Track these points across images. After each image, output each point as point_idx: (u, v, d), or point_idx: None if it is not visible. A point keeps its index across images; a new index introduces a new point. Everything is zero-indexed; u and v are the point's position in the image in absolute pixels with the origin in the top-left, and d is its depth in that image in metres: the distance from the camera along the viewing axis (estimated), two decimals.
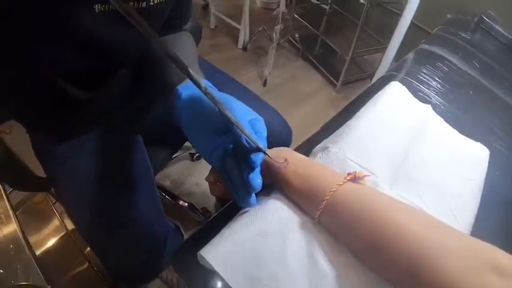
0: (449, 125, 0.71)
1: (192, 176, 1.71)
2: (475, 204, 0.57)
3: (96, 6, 0.48)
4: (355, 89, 2.57)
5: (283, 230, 0.43)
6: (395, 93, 0.73)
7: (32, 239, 0.94)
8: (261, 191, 0.43)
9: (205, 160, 0.48)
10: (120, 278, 0.92)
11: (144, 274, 0.89)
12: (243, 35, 2.78)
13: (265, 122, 0.47)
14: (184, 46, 0.70)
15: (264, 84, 2.47)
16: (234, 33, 2.89)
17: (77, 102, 0.65)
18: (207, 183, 0.56)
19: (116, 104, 0.73)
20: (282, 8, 2.36)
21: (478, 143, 0.68)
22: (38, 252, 0.72)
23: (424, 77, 0.89)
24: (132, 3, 0.53)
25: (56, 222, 1.03)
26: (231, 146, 0.46)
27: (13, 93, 0.59)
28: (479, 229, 0.53)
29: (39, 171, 0.77)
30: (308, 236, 0.43)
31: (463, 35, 1.23)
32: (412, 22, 2.01)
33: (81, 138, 0.70)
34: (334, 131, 0.63)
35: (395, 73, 0.89)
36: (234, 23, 2.81)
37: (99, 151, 0.70)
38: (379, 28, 2.56)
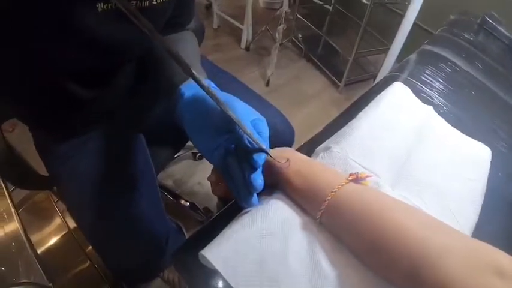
0: (452, 126, 0.70)
1: (195, 175, 1.72)
2: (477, 205, 0.56)
3: (99, 5, 0.48)
4: (357, 89, 2.56)
5: (284, 230, 0.43)
6: (398, 94, 0.73)
7: (34, 237, 0.95)
8: (262, 191, 0.43)
9: (207, 160, 0.48)
10: (121, 277, 0.92)
11: (145, 273, 0.89)
12: (246, 35, 2.78)
13: (267, 122, 0.47)
14: (187, 45, 0.70)
15: (267, 84, 2.47)
16: (236, 33, 2.89)
17: (79, 102, 0.65)
18: (209, 183, 0.56)
19: (119, 103, 0.73)
20: (285, 8, 2.36)
21: (480, 143, 0.68)
22: (39, 251, 0.72)
23: (427, 78, 0.89)
24: (134, 2, 0.53)
25: (57, 220, 1.03)
26: (233, 145, 0.46)
27: (13, 93, 0.59)
28: (482, 231, 0.53)
29: (42, 169, 0.77)
30: (309, 236, 0.43)
31: (466, 36, 1.23)
32: (415, 23, 2.01)
33: (83, 138, 0.70)
34: (336, 132, 0.63)
35: (398, 74, 0.88)
36: (236, 23, 2.81)
37: (101, 150, 0.71)
38: (382, 29, 2.55)
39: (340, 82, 2.51)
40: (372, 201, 0.41)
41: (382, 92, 0.73)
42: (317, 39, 2.85)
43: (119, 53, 0.62)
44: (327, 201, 0.41)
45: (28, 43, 0.48)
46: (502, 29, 1.33)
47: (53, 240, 1.00)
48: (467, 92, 0.92)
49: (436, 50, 1.06)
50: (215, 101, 0.39)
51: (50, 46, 0.50)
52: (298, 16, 2.82)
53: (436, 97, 0.83)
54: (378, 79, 2.32)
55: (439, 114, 0.73)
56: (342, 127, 0.64)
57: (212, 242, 0.41)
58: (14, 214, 0.54)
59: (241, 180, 0.44)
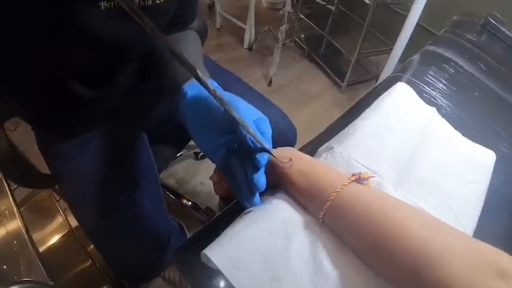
0: (455, 127, 0.70)
1: (197, 175, 1.72)
2: (479, 207, 0.56)
3: (102, 3, 0.48)
4: (360, 90, 2.56)
5: (286, 229, 0.43)
6: (401, 95, 0.73)
7: (36, 236, 0.95)
8: (265, 190, 0.43)
9: (209, 159, 0.48)
10: (122, 276, 0.92)
11: (146, 272, 0.89)
12: (249, 35, 2.78)
13: (270, 121, 0.46)
14: (189, 45, 0.70)
15: (269, 84, 2.47)
16: (239, 33, 2.89)
17: (80, 101, 0.65)
18: (211, 182, 0.55)
19: (120, 102, 0.73)
20: (288, 8, 2.36)
21: (484, 148, 0.68)
22: (41, 249, 0.72)
23: (429, 79, 0.89)
24: (137, 1, 0.53)
25: (59, 219, 1.04)
26: (235, 145, 0.46)
27: (14, 93, 0.59)
28: (484, 232, 0.52)
29: (44, 168, 0.77)
30: (312, 236, 0.43)
31: (469, 36, 1.22)
32: (417, 23, 2.00)
33: (86, 136, 0.70)
34: (339, 132, 0.63)
35: (400, 74, 0.88)
36: (239, 23, 2.81)
37: (103, 149, 0.71)
38: (384, 29, 2.55)
39: (342, 82, 2.50)
40: (374, 201, 0.41)
41: (385, 93, 0.73)
42: (320, 39, 2.85)
43: (121, 52, 0.62)
44: (330, 201, 0.41)
45: (28, 43, 0.48)
46: (505, 30, 1.32)
47: (54, 239, 1.00)
48: (470, 92, 0.92)
49: (439, 50, 1.06)
50: (218, 100, 0.39)
51: (51, 46, 0.50)
52: (301, 16, 2.82)
53: (438, 98, 0.82)
54: (380, 80, 2.32)
55: (442, 115, 0.73)
56: (344, 127, 0.63)
57: (214, 242, 0.41)
58: (16, 212, 0.54)
59: (244, 179, 0.44)
